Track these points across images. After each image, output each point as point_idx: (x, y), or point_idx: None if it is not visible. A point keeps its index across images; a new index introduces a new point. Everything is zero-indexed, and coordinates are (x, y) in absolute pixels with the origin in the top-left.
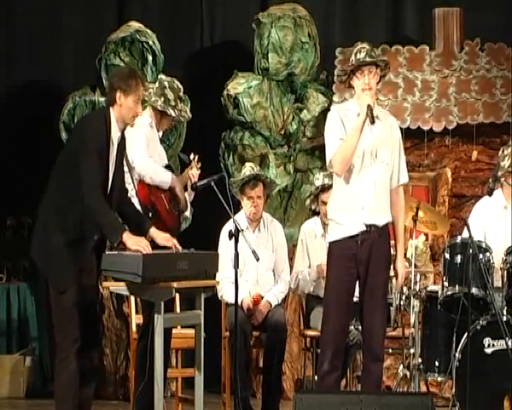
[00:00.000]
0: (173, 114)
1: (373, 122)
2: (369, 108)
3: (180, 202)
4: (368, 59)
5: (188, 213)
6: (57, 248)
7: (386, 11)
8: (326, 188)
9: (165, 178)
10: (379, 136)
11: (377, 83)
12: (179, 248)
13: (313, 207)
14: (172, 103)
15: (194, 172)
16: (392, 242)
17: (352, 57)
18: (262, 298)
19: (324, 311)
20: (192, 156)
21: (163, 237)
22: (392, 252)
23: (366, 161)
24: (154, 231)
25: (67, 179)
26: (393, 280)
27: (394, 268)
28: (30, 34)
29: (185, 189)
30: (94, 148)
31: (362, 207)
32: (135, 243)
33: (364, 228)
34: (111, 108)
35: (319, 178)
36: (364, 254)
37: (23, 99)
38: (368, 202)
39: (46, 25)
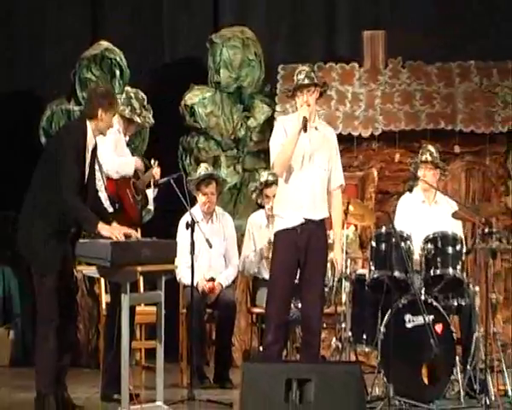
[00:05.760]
0: (139, 121)
1: (305, 130)
2: (304, 119)
3: (142, 182)
4: (306, 81)
5: (151, 207)
6: (42, 238)
7: (321, 33)
8: (269, 183)
9: (129, 166)
10: (316, 143)
11: (318, 98)
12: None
13: (259, 201)
14: (138, 111)
15: (156, 170)
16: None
17: (295, 78)
18: (214, 280)
19: (269, 289)
20: (153, 161)
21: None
22: (329, 241)
23: (305, 165)
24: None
25: (49, 179)
26: (331, 267)
27: (333, 258)
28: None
29: (148, 186)
30: (73, 154)
31: (301, 206)
32: (108, 230)
33: (303, 221)
34: (88, 121)
35: (264, 175)
36: (303, 242)
37: (7, 103)
38: (306, 202)
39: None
